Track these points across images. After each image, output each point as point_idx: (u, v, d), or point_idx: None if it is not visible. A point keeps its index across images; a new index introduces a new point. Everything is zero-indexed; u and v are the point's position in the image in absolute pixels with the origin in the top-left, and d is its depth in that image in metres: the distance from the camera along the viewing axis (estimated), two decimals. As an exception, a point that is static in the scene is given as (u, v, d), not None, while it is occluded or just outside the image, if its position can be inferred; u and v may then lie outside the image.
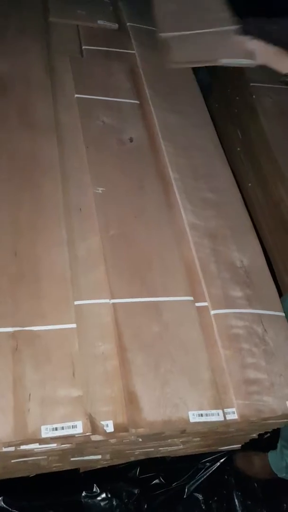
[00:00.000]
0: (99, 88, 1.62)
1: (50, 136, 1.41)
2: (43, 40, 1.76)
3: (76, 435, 0.90)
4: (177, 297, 1.17)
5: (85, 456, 1.18)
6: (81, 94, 1.56)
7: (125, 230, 1.27)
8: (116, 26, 1.96)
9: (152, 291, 1.16)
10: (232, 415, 1.03)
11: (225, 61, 1.53)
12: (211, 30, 1.65)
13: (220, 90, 2.51)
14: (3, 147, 1.34)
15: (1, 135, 1.37)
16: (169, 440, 1.19)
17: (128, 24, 1.99)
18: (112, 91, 1.63)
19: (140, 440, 1.05)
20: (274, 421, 1.11)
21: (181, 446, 1.29)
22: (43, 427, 0.88)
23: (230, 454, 1.59)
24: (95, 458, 1.23)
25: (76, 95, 1.55)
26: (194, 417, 0.98)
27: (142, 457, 1.38)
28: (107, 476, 1.44)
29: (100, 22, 1.93)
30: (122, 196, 1.34)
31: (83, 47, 1.79)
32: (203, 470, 1.56)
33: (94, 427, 0.91)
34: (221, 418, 1.00)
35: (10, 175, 1.28)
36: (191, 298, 1.18)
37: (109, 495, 1.44)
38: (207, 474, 1.55)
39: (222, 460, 1.58)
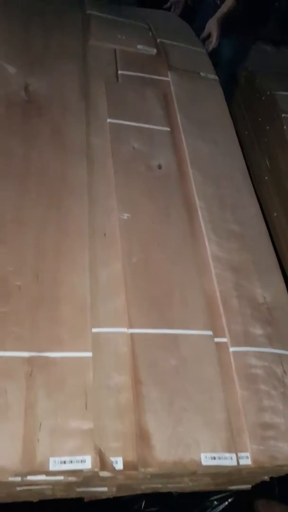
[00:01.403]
0: (132, 114, 1.63)
1: (80, 159, 1.42)
2: (81, 63, 1.79)
3: (84, 470, 0.88)
4: (196, 331, 1.15)
5: (91, 487, 1.16)
6: (113, 119, 1.58)
7: (147, 258, 1.25)
8: (154, 51, 1.98)
9: (171, 322, 1.14)
10: (246, 460, 1.00)
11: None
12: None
13: (251, 119, 2.51)
14: (33, 167, 1.35)
15: (33, 155, 1.38)
16: (177, 478, 1.16)
17: (163, 50, 2.01)
18: (144, 117, 1.64)
19: (149, 477, 1.02)
20: (288, 468, 1.07)
21: (190, 484, 1.25)
22: (51, 459, 0.87)
23: (238, 494, 1.54)
24: (101, 490, 1.20)
25: (109, 120, 1.57)
26: (206, 459, 0.95)
27: (149, 491, 1.35)
28: (111, 507, 1.41)
29: (139, 47, 1.96)
30: (147, 223, 1.33)
31: (119, 72, 1.81)
32: (210, 508, 1.51)
33: (103, 463, 0.89)
34: (234, 462, 0.97)
35: (38, 195, 1.29)
36: (210, 332, 1.15)
37: (112, 527, 1.40)
38: (214, 513, 1.50)
39: (230, 500, 1.52)
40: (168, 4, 2.59)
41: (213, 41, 2.34)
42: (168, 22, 2.38)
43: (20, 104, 1.53)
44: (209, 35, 2.35)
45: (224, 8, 2.29)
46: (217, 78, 2.01)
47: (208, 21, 2.35)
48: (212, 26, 2.33)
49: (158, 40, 2.08)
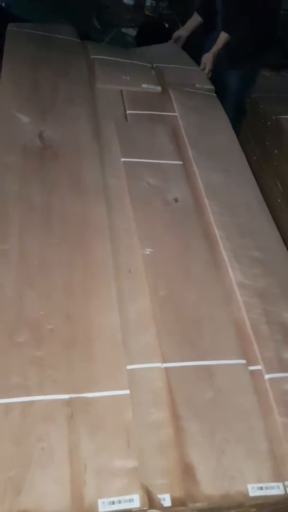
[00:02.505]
0: (144, 151, 1.69)
1: (99, 199, 1.47)
2: (90, 106, 1.87)
3: (133, 510, 0.88)
4: (229, 360, 1.15)
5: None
6: (126, 158, 1.63)
7: (174, 290, 1.27)
8: (159, 89, 2.06)
9: (203, 354, 1.15)
10: (293, 488, 0.98)
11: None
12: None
13: (259, 144, 2.56)
14: (55, 212, 1.40)
15: (53, 200, 1.43)
16: (224, 511, 1.14)
17: (169, 87, 2.09)
18: (156, 153, 1.69)
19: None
20: None
21: (236, 516, 1.23)
22: (100, 501, 0.87)
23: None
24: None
25: (122, 159, 1.62)
26: (253, 490, 0.94)
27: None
28: None
29: (144, 86, 2.04)
30: (170, 256, 1.36)
31: (127, 111, 1.88)
32: None
33: (151, 501, 0.89)
34: (281, 491, 0.96)
35: (61, 239, 1.33)
36: (244, 361, 1.16)
37: None
38: None
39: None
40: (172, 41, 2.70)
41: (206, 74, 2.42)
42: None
43: (37, 151, 1.60)
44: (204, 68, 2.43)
45: (219, 44, 2.36)
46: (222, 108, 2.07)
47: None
48: (207, 60, 2.41)
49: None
